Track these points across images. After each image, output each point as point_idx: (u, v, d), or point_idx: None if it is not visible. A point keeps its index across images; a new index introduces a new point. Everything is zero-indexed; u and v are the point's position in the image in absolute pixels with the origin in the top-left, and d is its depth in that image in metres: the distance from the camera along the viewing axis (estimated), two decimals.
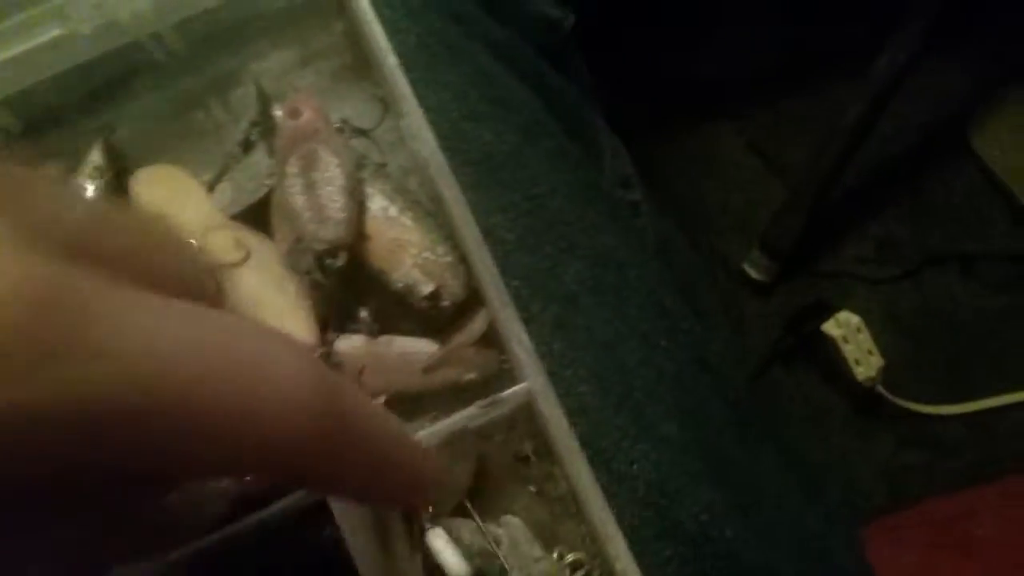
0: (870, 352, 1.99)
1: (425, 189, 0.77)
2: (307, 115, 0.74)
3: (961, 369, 2.11)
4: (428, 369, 0.78)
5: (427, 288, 0.74)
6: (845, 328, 2.02)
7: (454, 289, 0.75)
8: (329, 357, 0.72)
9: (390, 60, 0.72)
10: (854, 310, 1.96)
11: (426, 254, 0.74)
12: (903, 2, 1.85)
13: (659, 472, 0.78)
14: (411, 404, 0.78)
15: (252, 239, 0.76)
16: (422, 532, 0.75)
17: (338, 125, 0.76)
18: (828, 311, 2.04)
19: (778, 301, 2.20)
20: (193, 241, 0.74)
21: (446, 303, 0.75)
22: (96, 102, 0.83)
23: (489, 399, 0.68)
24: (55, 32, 0.75)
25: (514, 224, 0.82)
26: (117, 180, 0.81)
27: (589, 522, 0.69)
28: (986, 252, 2.21)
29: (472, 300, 0.78)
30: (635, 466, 0.78)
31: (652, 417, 0.82)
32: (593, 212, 0.87)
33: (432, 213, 0.76)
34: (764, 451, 0.88)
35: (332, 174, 0.73)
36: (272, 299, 0.73)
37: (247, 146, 0.83)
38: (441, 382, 0.80)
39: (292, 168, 0.73)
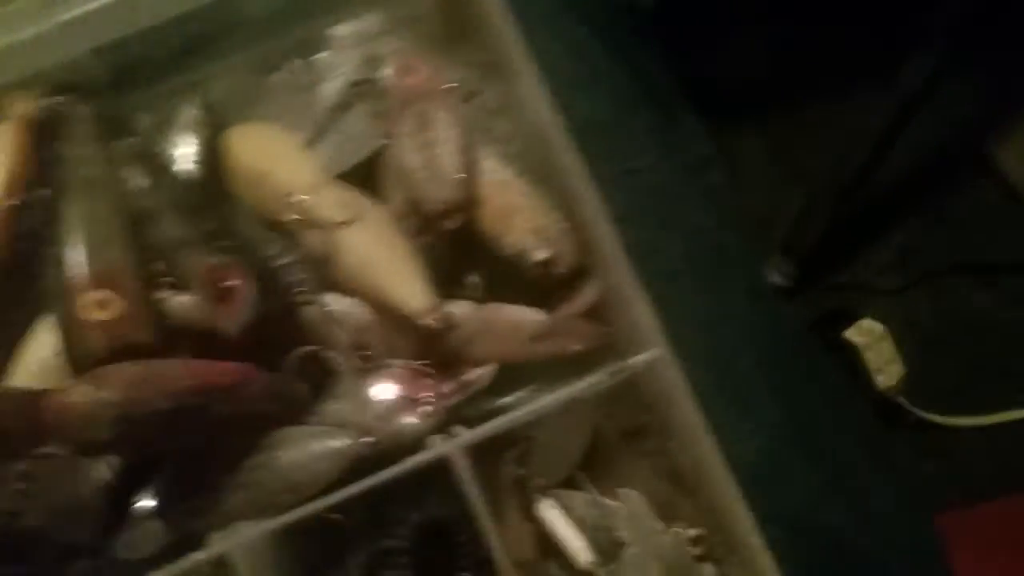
0: (891, 361, 1.98)
1: (533, 155, 0.75)
2: (421, 74, 0.72)
3: (981, 380, 2.11)
4: (536, 338, 0.76)
5: (541, 254, 0.72)
6: (868, 336, 2.01)
7: (567, 256, 0.73)
8: (449, 318, 0.69)
9: (504, 22, 0.70)
10: (874, 318, 1.95)
11: (541, 219, 0.72)
12: (930, 10, 1.86)
13: (761, 455, 0.77)
14: (513, 373, 0.76)
15: (360, 200, 0.73)
16: (532, 502, 0.73)
17: (450, 86, 0.74)
18: (850, 318, 2.03)
19: (798, 307, 2.19)
20: (301, 197, 0.72)
21: (559, 270, 0.73)
22: (185, 58, 0.80)
23: (616, 366, 0.66)
24: None
25: (615, 196, 0.81)
26: (214, 136, 0.78)
27: (711, 497, 0.68)
28: (1007, 264, 2.21)
29: (579, 270, 0.75)
30: (738, 447, 0.76)
31: (753, 399, 0.81)
32: (689, 190, 0.86)
33: (543, 179, 0.74)
34: (849, 440, 0.87)
35: (447, 134, 0.71)
36: (384, 260, 0.71)
37: (343, 107, 0.81)
38: (547, 352, 0.78)
39: (405, 127, 0.71)
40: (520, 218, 0.72)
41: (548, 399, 0.68)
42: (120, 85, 0.80)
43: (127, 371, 0.63)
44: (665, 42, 1.05)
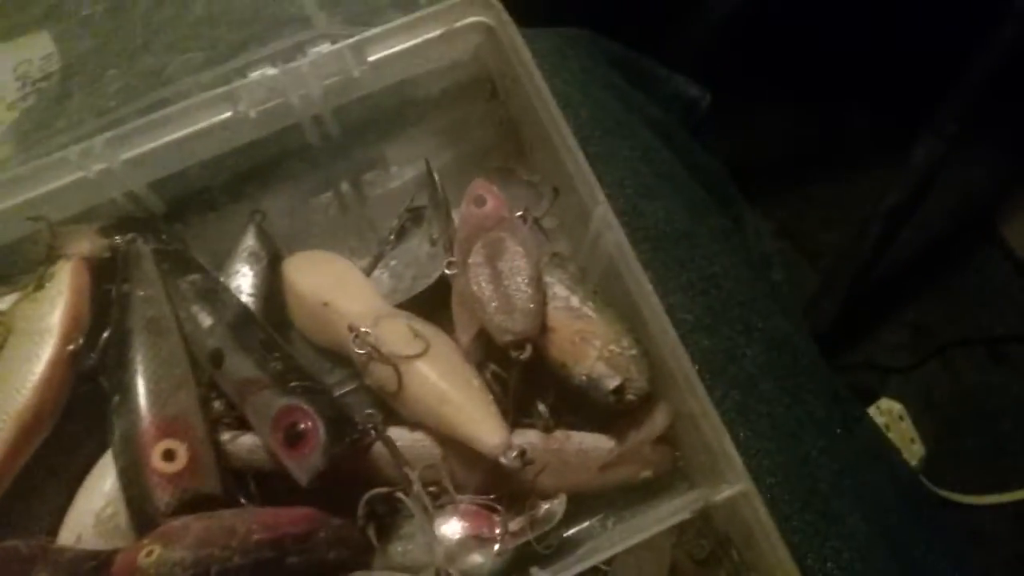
0: (912, 440, 1.97)
1: (601, 278, 0.74)
2: (491, 203, 0.71)
3: (999, 457, 2.09)
4: (605, 467, 0.75)
5: (613, 382, 0.71)
6: (887, 416, 1.99)
7: (639, 383, 0.72)
8: (525, 455, 0.67)
9: (567, 141, 0.69)
10: (891, 397, 1.94)
11: (611, 346, 0.71)
12: (938, 91, 1.89)
13: (852, 571, 0.75)
14: (579, 500, 0.74)
15: (426, 330, 0.72)
16: None
17: (519, 214, 0.73)
18: (869, 398, 2.02)
19: None
20: (366, 330, 0.70)
21: (631, 397, 0.72)
22: (243, 185, 0.80)
23: (697, 500, 0.64)
24: (223, 116, 0.72)
25: (693, 304, 0.80)
26: (272, 265, 0.76)
27: None
28: (1017, 338, 2.21)
29: (648, 395, 0.74)
30: (829, 564, 0.74)
31: (838, 510, 0.78)
32: (761, 293, 0.85)
33: (610, 303, 0.73)
34: (937, 540, 0.85)
35: (519, 264, 0.70)
36: (455, 394, 0.69)
37: (400, 233, 0.80)
38: (616, 480, 0.76)
39: (477, 257, 0.70)
40: (590, 346, 0.71)
41: (628, 533, 0.65)
42: (175, 216, 0.78)
43: (196, 526, 0.61)
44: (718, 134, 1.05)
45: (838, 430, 0.85)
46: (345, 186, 0.84)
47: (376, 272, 0.79)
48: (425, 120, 0.83)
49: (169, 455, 0.63)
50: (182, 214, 0.79)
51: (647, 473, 0.75)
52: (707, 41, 1.50)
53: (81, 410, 0.70)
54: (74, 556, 0.60)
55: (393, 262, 0.79)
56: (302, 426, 0.65)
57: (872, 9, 1.96)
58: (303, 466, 0.64)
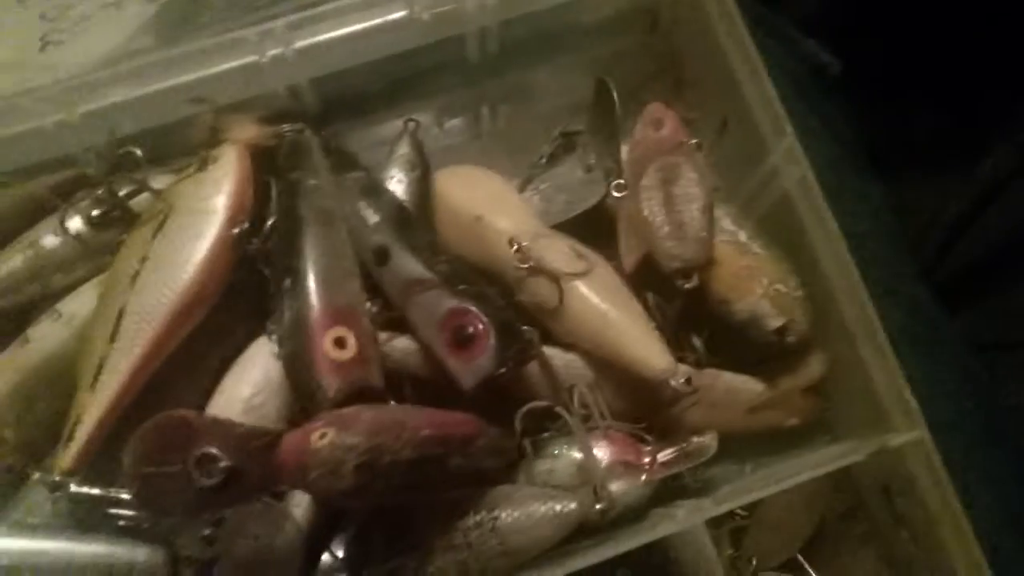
0: None
1: (771, 216, 0.72)
2: (669, 126, 0.69)
3: None
4: (753, 410, 0.73)
5: (776, 322, 0.69)
6: None
7: (802, 326, 0.70)
8: (691, 381, 0.65)
9: (758, 66, 0.67)
10: None
11: (778, 285, 0.70)
12: (1016, 104, 1.88)
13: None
14: (720, 443, 0.72)
15: (587, 251, 0.70)
16: None
17: (694, 141, 0.72)
18: None
19: None
20: (525, 244, 0.68)
21: (791, 339, 0.70)
22: (397, 93, 0.78)
23: (876, 446, 0.63)
24: (397, 14, 0.70)
25: None
26: (424, 176, 0.74)
27: None
28: None
29: (808, 340, 0.72)
30: None
31: (968, 484, 0.77)
32: (902, 259, 0.84)
33: (777, 242, 0.71)
34: None
35: (694, 191, 0.68)
36: (620, 318, 0.67)
37: (552, 158, 0.78)
38: (762, 425, 0.74)
39: (650, 180, 0.69)
40: (756, 283, 0.69)
41: (793, 471, 0.63)
42: (328, 117, 0.76)
43: (368, 416, 0.59)
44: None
45: (968, 404, 0.83)
46: (495, 107, 0.81)
47: (526, 194, 0.77)
48: (581, 48, 0.81)
49: (340, 343, 0.61)
50: (335, 116, 0.76)
51: (794, 420, 0.74)
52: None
53: (231, 298, 0.68)
54: (244, 432, 0.58)
55: (544, 185, 0.77)
56: (471, 329, 0.63)
57: (958, 11, 1.95)
58: (470, 369, 0.62)
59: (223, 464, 0.54)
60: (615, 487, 0.66)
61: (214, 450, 0.55)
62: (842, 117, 0.91)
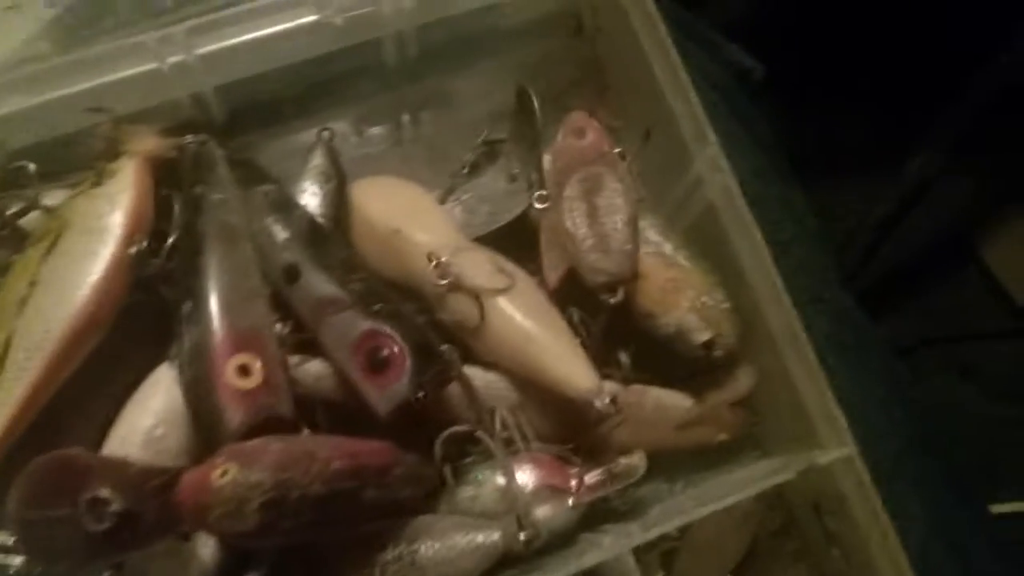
0: None
1: (695, 227, 0.70)
2: (591, 136, 0.67)
3: (966, 475, 2.11)
4: (682, 426, 0.71)
5: (703, 336, 0.67)
6: None
7: (729, 339, 0.68)
8: (616, 400, 0.63)
9: (681, 76, 0.65)
10: None
11: (704, 298, 0.68)
12: (939, 110, 1.90)
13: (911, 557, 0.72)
14: (649, 461, 0.70)
15: (510, 265, 0.67)
16: None
17: (617, 150, 0.69)
18: None
19: None
20: (444, 260, 0.65)
21: (719, 353, 0.68)
22: (310, 101, 0.74)
23: (805, 463, 0.61)
24: (308, 18, 0.66)
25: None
26: (340, 188, 0.71)
27: None
28: (988, 359, 2.24)
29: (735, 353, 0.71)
30: None
31: (900, 493, 0.76)
32: (826, 265, 0.83)
33: (702, 253, 0.69)
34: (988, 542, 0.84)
35: (618, 202, 0.66)
36: (543, 335, 0.65)
37: (474, 167, 0.76)
38: (691, 441, 0.72)
39: (572, 191, 0.66)
40: (682, 296, 0.67)
41: (722, 491, 0.62)
42: (236, 127, 0.72)
43: (274, 449, 0.55)
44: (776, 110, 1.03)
45: (897, 412, 0.83)
46: (414, 114, 0.78)
47: (447, 205, 0.74)
48: (503, 52, 0.79)
49: (244, 370, 0.57)
50: (243, 125, 0.72)
51: (723, 436, 0.73)
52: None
53: (129, 321, 0.64)
54: (138, 471, 0.54)
55: (466, 196, 0.74)
56: (386, 352, 0.60)
57: (880, 17, 1.97)
58: (385, 395, 0.59)
59: (115, 508, 0.50)
60: (541, 512, 0.64)
61: (106, 492, 0.51)
62: (765, 122, 0.89)
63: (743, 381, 0.69)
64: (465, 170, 0.76)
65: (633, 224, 0.66)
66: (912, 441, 0.79)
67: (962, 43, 1.78)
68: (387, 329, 0.60)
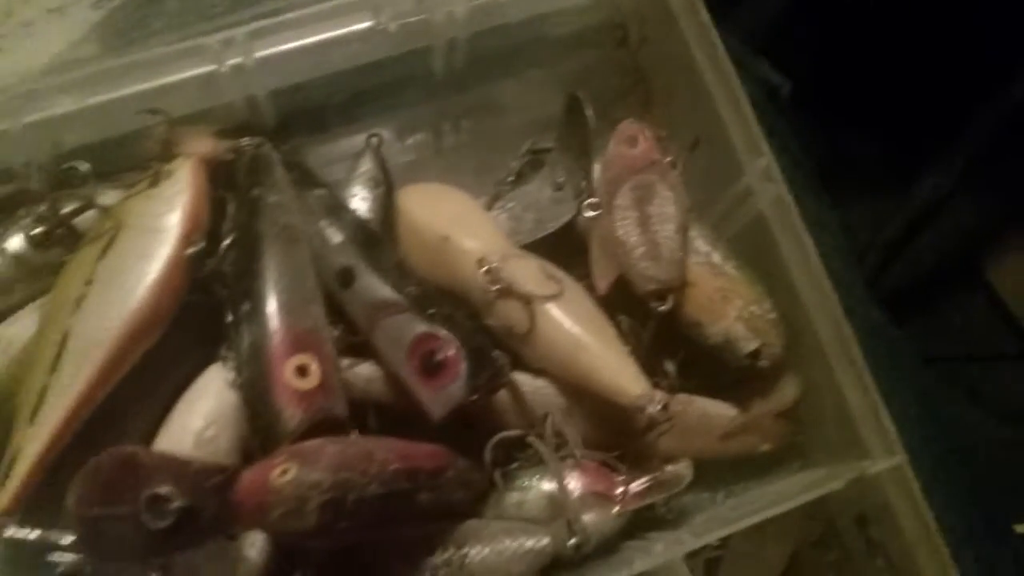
0: None
1: (744, 236, 0.70)
2: (643, 144, 0.68)
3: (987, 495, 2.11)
4: (726, 435, 0.71)
5: (751, 345, 0.68)
6: None
7: (776, 349, 0.69)
8: (668, 407, 0.63)
9: (733, 84, 0.66)
10: None
11: (752, 308, 0.68)
12: (952, 130, 1.91)
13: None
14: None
15: (559, 272, 0.68)
16: None
17: (669, 159, 0.70)
18: None
19: None
20: (494, 266, 0.66)
21: (765, 363, 0.69)
22: (357, 108, 0.75)
23: (855, 472, 0.61)
24: (363, 24, 0.67)
25: None
26: (388, 194, 0.71)
27: None
28: (994, 381, 2.24)
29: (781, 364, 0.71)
30: None
31: (937, 507, 0.76)
32: (859, 281, 0.83)
33: (750, 262, 0.70)
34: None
35: (669, 210, 0.67)
36: (593, 342, 0.65)
37: (519, 175, 0.76)
38: (735, 451, 0.72)
39: (624, 200, 0.67)
40: (730, 306, 0.68)
41: (771, 501, 0.62)
42: (285, 131, 0.73)
43: (332, 450, 0.56)
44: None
45: (931, 427, 0.83)
46: (459, 122, 0.78)
47: (492, 213, 0.74)
48: (549, 63, 0.79)
49: (302, 371, 0.57)
50: (292, 130, 0.73)
51: (767, 446, 0.73)
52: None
53: (182, 322, 0.64)
54: (198, 469, 0.54)
55: (511, 204, 0.74)
56: (441, 356, 0.60)
57: (897, 39, 1.98)
58: (440, 399, 0.59)
59: (176, 505, 0.50)
60: (588, 519, 0.63)
61: (166, 490, 0.51)
62: (795, 138, 0.90)
63: (787, 391, 0.70)
64: (510, 178, 0.76)
65: (684, 233, 0.66)
66: (945, 456, 0.79)
67: (976, 68, 1.79)
68: (443, 332, 0.60)
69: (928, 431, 0.83)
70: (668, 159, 0.68)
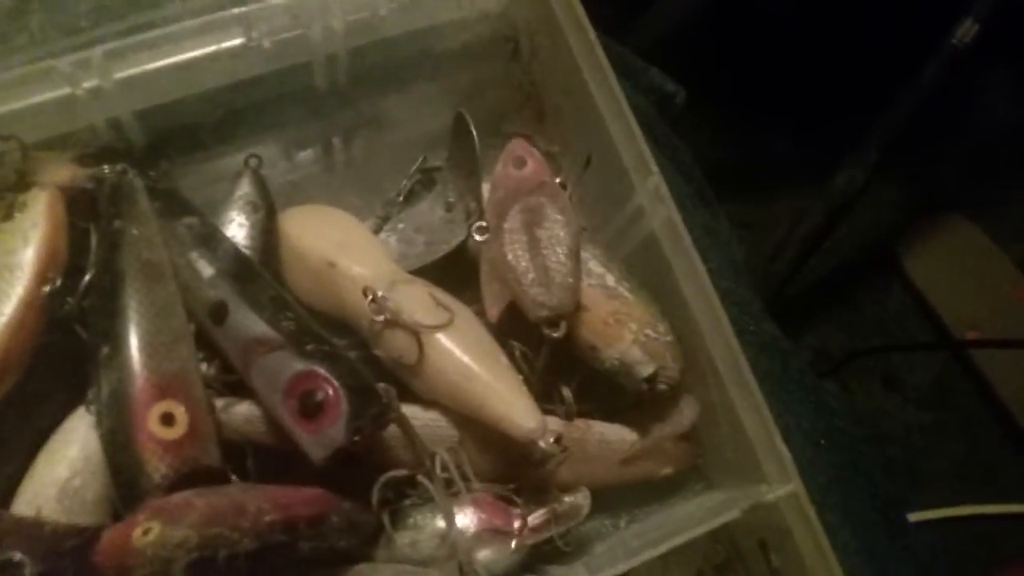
0: None
1: (636, 258, 0.69)
2: (531, 165, 0.65)
3: (890, 482, 2.15)
4: (627, 461, 0.70)
5: (647, 369, 0.66)
6: None
7: (673, 372, 0.67)
8: (561, 439, 0.61)
9: (622, 104, 0.64)
10: None
11: (647, 331, 0.66)
12: (864, 124, 1.94)
13: None
14: (593, 498, 0.68)
15: (447, 299, 0.65)
16: None
17: (559, 180, 0.68)
18: None
19: None
20: (380, 294, 0.63)
21: (663, 387, 0.67)
22: (235, 126, 0.71)
23: (749, 498, 0.60)
24: (234, 41, 0.63)
25: None
26: (268, 217, 0.68)
27: None
28: (910, 369, 2.29)
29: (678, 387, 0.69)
30: None
31: (830, 523, 0.76)
32: (752, 295, 0.82)
33: (644, 284, 0.68)
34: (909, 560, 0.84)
35: (559, 233, 0.64)
36: (486, 371, 0.62)
37: (409, 195, 0.73)
38: (635, 476, 0.71)
39: (513, 223, 0.64)
40: (625, 329, 0.66)
41: (669, 531, 0.60)
42: (157, 153, 0.69)
43: (200, 503, 0.52)
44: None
45: (822, 441, 0.83)
46: (346, 140, 0.75)
47: (382, 235, 0.71)
48: (438, 77, 0.76)
49: (168, 419, 0.54)
50: (164, 152, 0.69)
51: (668, 470, 0.71)
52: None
53: (43, 365, 0.59)
54: (53, 531, 0.50)
55: (402, 225, 0.72)
56: (321, 395, 0.57)
57: (806, 34, 2.00)
58: (320, 441, 0.56)
59: (29, 572, 0.47)
60: (484, 556, 0.61)
61: (18, 556, 0.47)
62: (687, 149, 0.89)
63: (687, 413, 0.68)
64: (400, 198, 0.73)
65: (575, 256, 0.64)
66: (838, 470, 0.79)
67: (885, 60, 1.81)
68: (322, 370, 0.57)
69: (822, 445, 0.83)
70: (558, 179, 0.65)
